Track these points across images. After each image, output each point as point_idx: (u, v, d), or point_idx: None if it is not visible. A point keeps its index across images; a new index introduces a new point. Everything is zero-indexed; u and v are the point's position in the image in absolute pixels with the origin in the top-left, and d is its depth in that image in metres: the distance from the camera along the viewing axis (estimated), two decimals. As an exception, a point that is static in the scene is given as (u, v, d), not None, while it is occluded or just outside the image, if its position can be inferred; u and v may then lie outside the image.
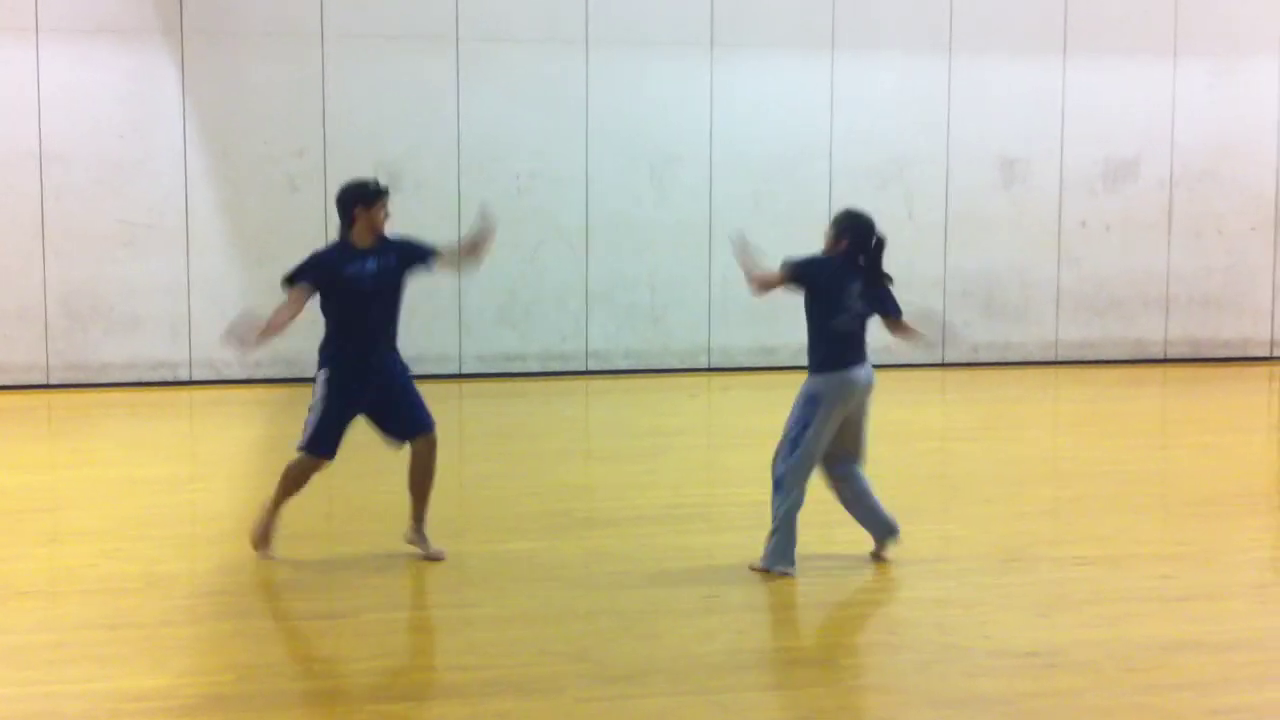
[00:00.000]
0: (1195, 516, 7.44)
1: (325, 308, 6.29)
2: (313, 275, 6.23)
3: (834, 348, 6.15)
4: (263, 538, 6.39)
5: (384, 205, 6.31)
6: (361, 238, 6.28)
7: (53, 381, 12.23)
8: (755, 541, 6.67)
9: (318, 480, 6.44)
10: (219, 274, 12.42)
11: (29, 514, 7.46)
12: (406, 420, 6.36)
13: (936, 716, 4.55)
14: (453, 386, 12.41)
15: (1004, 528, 7.09)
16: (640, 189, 13.16)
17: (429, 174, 12.64)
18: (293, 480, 6.34)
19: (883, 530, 6.36)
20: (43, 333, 12.19)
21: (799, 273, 6.24)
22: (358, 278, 6.18)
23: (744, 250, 6.39)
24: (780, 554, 6.16)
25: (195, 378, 12.50)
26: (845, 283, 6.18)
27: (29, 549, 6.68)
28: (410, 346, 12.11)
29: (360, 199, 6.27)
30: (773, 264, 6.33)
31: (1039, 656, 5.07)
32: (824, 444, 6.17)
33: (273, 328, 6.14)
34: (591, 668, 4.96)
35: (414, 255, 6.40)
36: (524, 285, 12.93)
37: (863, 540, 6.63)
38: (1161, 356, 14.26)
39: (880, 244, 6.24)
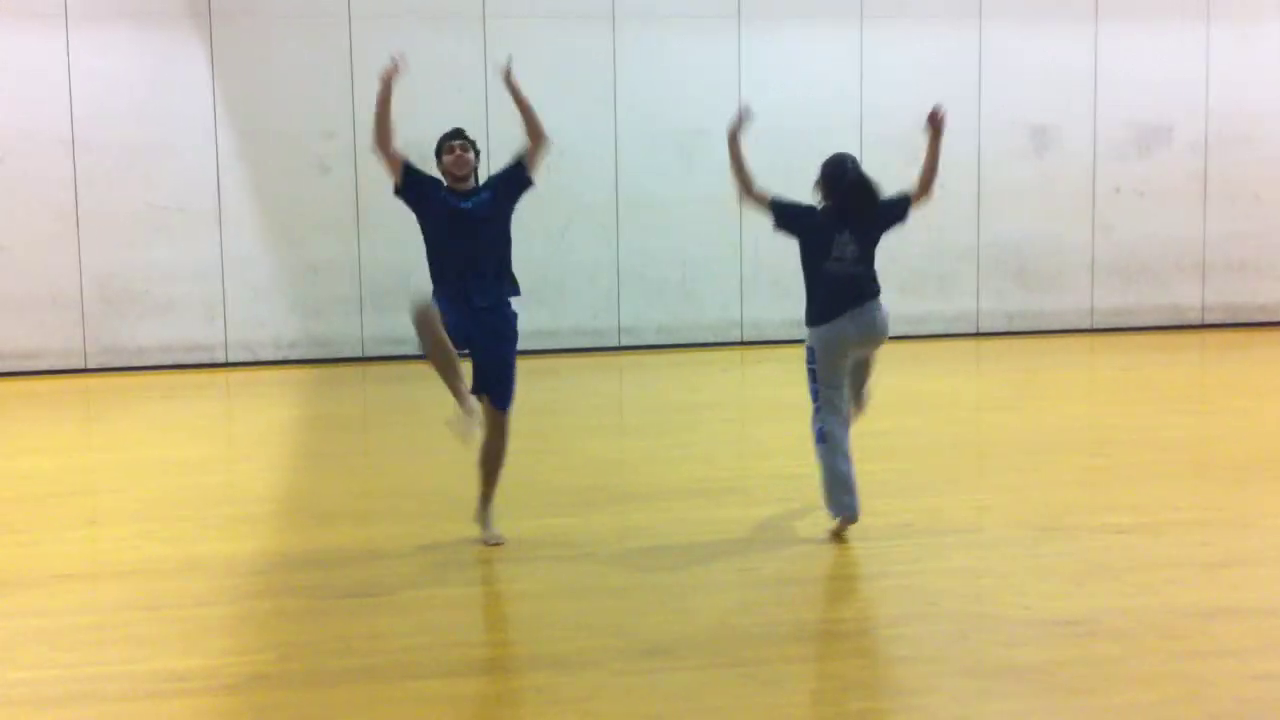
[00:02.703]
0: (1233, 482, 7.38)
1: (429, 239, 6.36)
2: (413, 170, 6.37)
3: (823, 300, 6.22)
4: (460, 411, 5.93)
5: (454, 150, 6.35)
6: (451, 183, 6.34)
7: (90, 366, 12.35)
8: (789, 513, 6.68)
9: (357, 461, 6.44)
10: (252, 255, 12.48)
11: (68, 497, 7.53)
12: (496, 376, 6.27)
13: (974, 686, 4.54)
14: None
15: (1040, 496, 7.05)
16: (669, 164, 13.12)
17: (458, 152, 12.63)
18: (426, 347, 5.88)
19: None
20: (79, 317, 12.29)
21: (777, 214, 6.35)
22: (447, 211, 6.24)
23: (736, 132, 6.43)
24: (833, 501, 6.22)
25: (231, 359, 12.58)
26: (831, 233, 6.21)
27: (68, 532, 6.75)
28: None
29: (436, 148, 6.45)
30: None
31: (1076, 625, 5.05)
32: (835, 387, 6.27)
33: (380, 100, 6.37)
34: (627, 642, 4.97)
35: (506, 180, 6.40)
36: (554, 263, 12.94)
37: (894, 512, 6.63)
38: (1199, 322, 14.14)
39: (854, 185, 6.20)
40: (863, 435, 6.50)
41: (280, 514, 6.60)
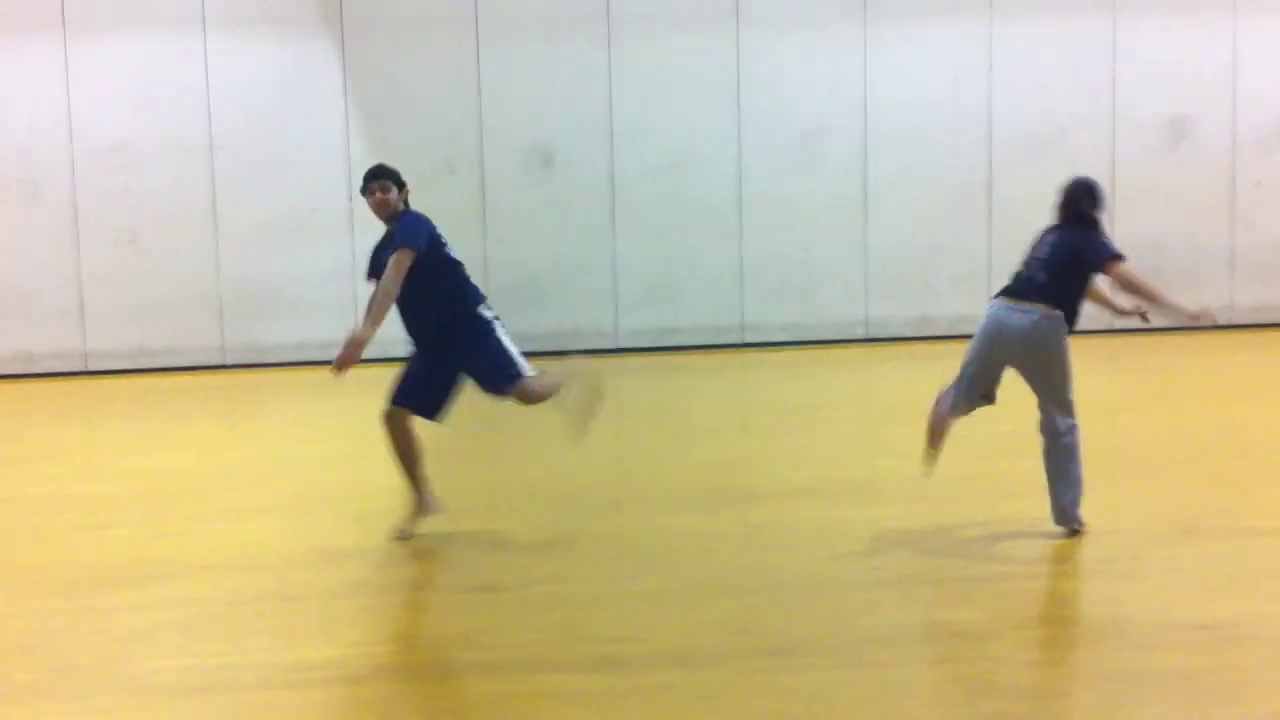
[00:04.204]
0: (1382, 486, 7.11)
1: None
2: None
3: (1005, 286, 6.24)
4: (415, 509, 6.49)
5: (374, 192, 6.32)
6: (389, 220, 6.38)
7: (228, 362, 12.69)
8: (914, 513, 6.60)
9: (482, 460, 6.52)
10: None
11: (205, 491, 7.74)
12: (490, 374, 6.36)
13: (1108, 692, 4.44)
14: (610, 362, 12.50)
15: (1176, 499, 6.87)
16: (793, 163, 13.05)
17: (581, 154, 12.73)
18: (387, 439, 6.45)
19: (1055, 513, 6.23)
20: (217, 316, 12.65)
21: None
22: (379, 265, 6.31)
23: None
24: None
25: (363, 356, 12.79)
26: (1043, 234, 6.25)
27: (209, 524, 6.94)
28: (566, 322, 12.18)
29: (363, 188, 6.44)
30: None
31: (1214, 630, 4.91)
32: (976, 371, 6.22)
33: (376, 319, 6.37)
34: (752, 640, 4.96)
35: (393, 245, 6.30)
36: (677, 262, 12.95)
37: (1025, 512, 6.51)
38: (1344, 319, 13.65)
39: (1067, 195, 6.23)
40: (993, 435, 6.39)
41: (405, 509, 6.70)
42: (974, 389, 6.28)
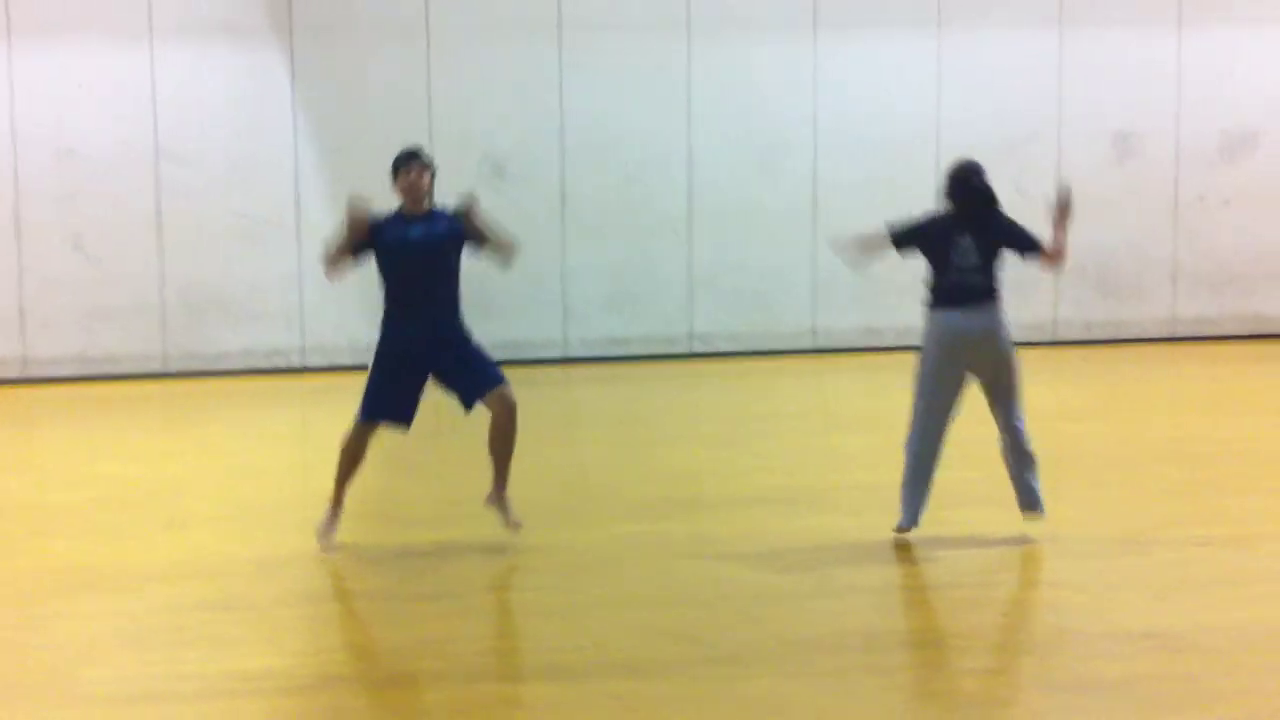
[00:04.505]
0: (1322, 496, 7.21)
1: (379, 273, 6.36)
2: (364, 246, 6.35)
3: (944, 294, 6.25)
4: (326, 523, 6.38)
5: (410, 170, 6.30)
6: (408, 205, 6.33)
7: (170, 370, 12.54)
8: (864, 524, 6.61)
9: (429, 464, 6.51)
10: (329, 264, 12.61)
11: (148, 500, 7.64)
12: (472, 379, 6.31)
13: (1051, 700, 4.46)
14: (558, 371, 12.48)
15: (1121, 509, 6.93)
16: (744, 174, 13.09)
17: (534, 164, 12.70)
18: (346, 450, 6.37)
19: (1021, 500, 6.32)
20: (160, 324, 12.50)
21: (896, 241, 6.42)
22: (399, 243, 6.23)
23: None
24: (904, 505, 6.21)
25: (309, 364, 12.72)
26: (953, 237, 6.23)
27: (150, 535, 6.85)
28: (514, 332, 12.19)
29: (392, 168, 6.37)
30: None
31: (1157, 639, 4.95)
32: (932, 392, 6.18)
33: (339, 257, 6.38)
34: (702, 650, 4.95)
35: (464, 231, 6.36)
36: (628, 271, 12.95)
37: (970, 521, 6.55)
38: (1286, 332, 13.84)
39: (974, 190, 6.25)
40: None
41: (357, 517, 6.65)
42: (933, 417, 6.23)
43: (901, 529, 6.24)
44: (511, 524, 6.43)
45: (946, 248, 6.22)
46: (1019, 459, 6.30)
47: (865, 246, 6.53)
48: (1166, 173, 13.58)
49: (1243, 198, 13.67)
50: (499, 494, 6.46)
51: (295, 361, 12.72)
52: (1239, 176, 13.64)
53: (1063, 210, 6.32)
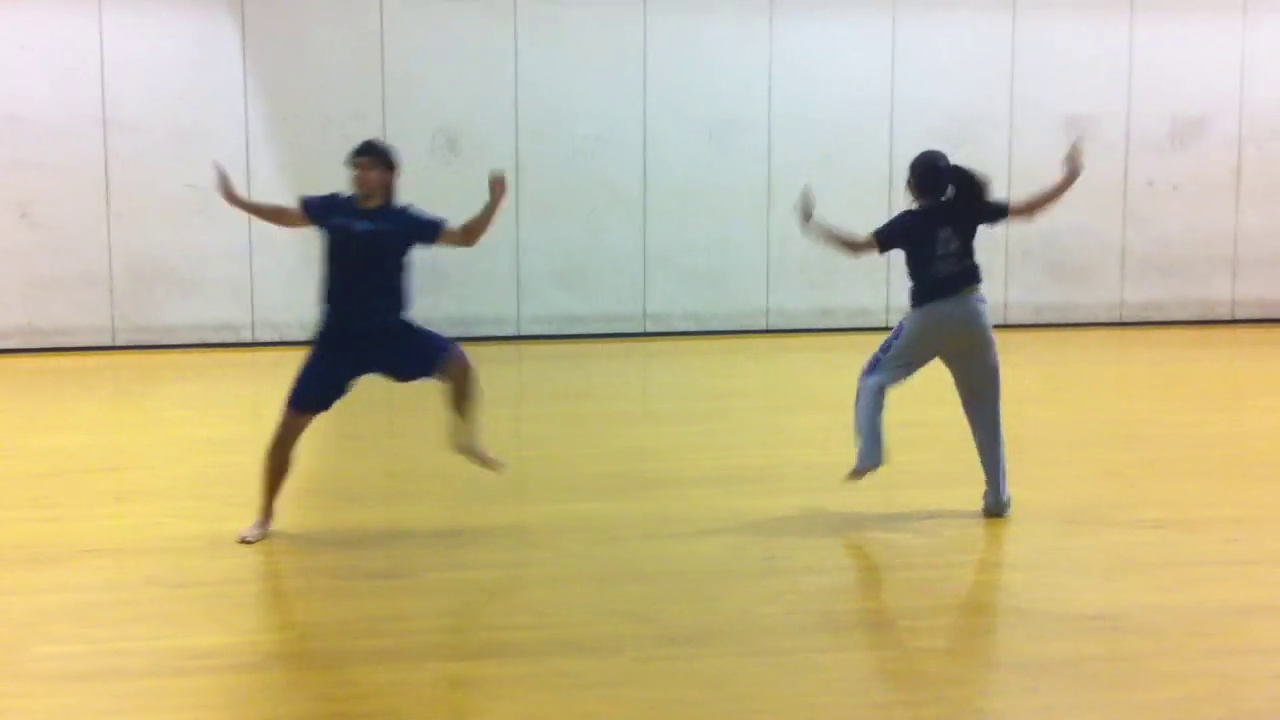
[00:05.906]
0: (1265, 479, 7.31)
1: (322, 251, 6.25)
2: (312, 203, 6.29)
3: (929, 289, 6.26)
4: (254, 530, 6.18)
5: (358, 166, 6.17)
6: (363, 198, 6.21)
7: (118, 343, 12.39)
8: (816, 503, 6.65)
9: (381, 441, 6.47)
10: (281, 236, 12.46)
11: (95, 473, 7.56)
12: (421, 359, 6.19)
13: (1000, 679, 4.51)
14: (510, 348, 12.44)
15: (1069, 491, 7.00)
16: (699, 152, 13.08)
17: (488, 137, 12.62)
18: (274, 453, 6.17)
19: (1000, 490, 6.40)
20: (108, 296, 12.34)
21: (884, 244, 6.41)
22: (340, 230, 6.13)
23: (809, 216, 6.44)
24: (861, 452, 6.25)
25: (258, 339, 12.61)
26: (935, 231, 6.25)
27: (96, 508, 6.77)
28: (467, 308, 12.12)
29: (347, 160, 6.24)
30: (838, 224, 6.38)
31: (1104, 620, 5.01)
32: (903, 354, 6.29)
33: (243, 202, 6.44)
34: (652, 628, 4.96)
35: (413, 228, 6.21)
36: (582, 248, 12.91)
37: (924, 502, 6.60)
38: (1229, 317, 14.02)
39: (960, 179, 6.28)
40: (891, 427, 6.45)
41: (307, 493, 6.61)
42: (892, 374, 6.32)
43: (870, 468, 6.29)
44: (493, 463, 6.39)
45: (930, 242, 6.24)
46: (990, 444, 6.38)
47: (839, 240, 6.48)
48: (1117, 158, 13.70)
49: (1191, 184, 13.82)
50: (469, 442, 6.35)
51: (245, 336, 12.60)
52: (1188, 162, 13.79)
53: (1074, 170, 6.35)
